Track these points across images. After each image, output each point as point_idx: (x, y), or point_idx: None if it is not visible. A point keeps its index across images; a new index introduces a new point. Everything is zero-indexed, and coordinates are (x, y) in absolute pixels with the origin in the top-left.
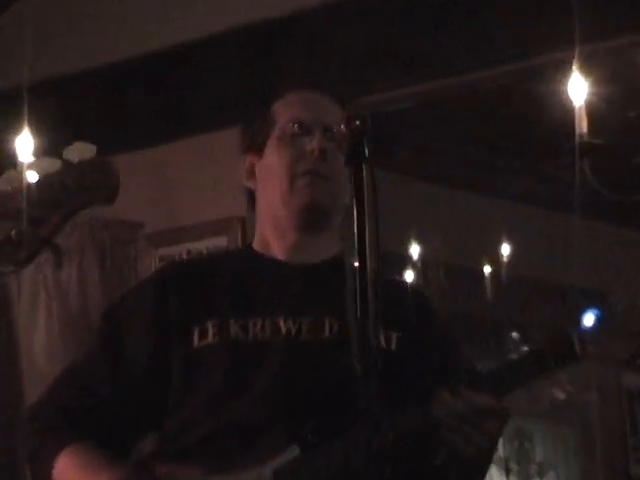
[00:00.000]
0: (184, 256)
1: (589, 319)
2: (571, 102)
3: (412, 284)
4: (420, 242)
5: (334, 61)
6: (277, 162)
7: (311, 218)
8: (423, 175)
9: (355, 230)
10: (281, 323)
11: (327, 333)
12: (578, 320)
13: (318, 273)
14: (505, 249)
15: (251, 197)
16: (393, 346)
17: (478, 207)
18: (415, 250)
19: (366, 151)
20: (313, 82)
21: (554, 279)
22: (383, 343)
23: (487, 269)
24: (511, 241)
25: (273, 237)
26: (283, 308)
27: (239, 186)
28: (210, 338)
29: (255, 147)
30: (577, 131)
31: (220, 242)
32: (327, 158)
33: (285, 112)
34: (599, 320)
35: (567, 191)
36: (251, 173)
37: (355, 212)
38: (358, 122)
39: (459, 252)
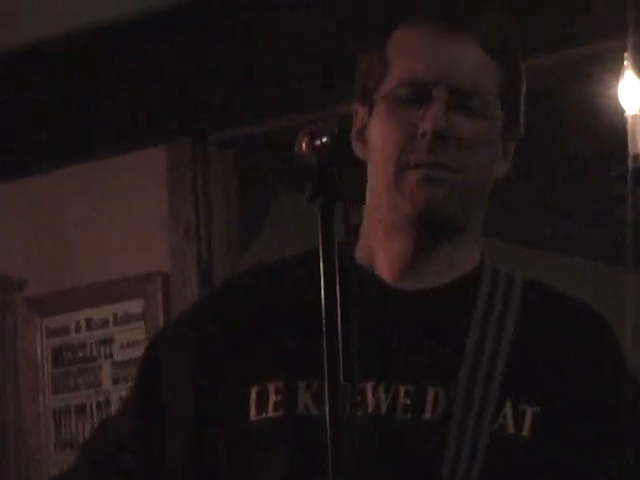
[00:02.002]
0: (79, 328)
1: None
2: (622, 111)
3: (589, 307)
4: None
5: None
6: (380, 139)
7: (427, 228)
8: None
9: (322, 288)
10: (369, 391)
11: (429, 412)
12: None
13: (433, 306)
14: None
15: (360, 169)
16: (526, 430)
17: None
18: None
19: (337, 181)
20: (446, 9)
21: None
22: (511, 427)
23: None
24: None
25: (378, 245)
26: (375, 366)
27: (160, 228)
28: (271, 410)
29: (364, 98)
30: (630, 151)
31: (133, 307)
32: (450, 139)
33: (398, 60)
34: None
35: (616, 235)
36: (360, 135)
37: (322, 265)
38: (325, 139)
39: None
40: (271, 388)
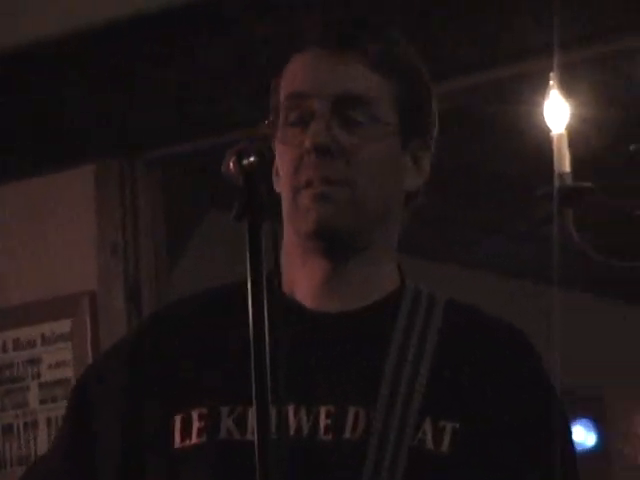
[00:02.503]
0: (6, 349)
1: (578, 433)
2: (548, 130)
3: (510, 326)
4: None
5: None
6: (279, 166)
7: (329, 246)
8: None
9: (250, 307)
10: (290, 415)
11: (349, 431)
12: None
13: (353, 328)
14: None
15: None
16: (445, 447)
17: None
18: None
19: (265, 200)
20: (331, 34)
21: None
22: (430, 443)
23: None
24: None
25: (296, 270)
26: (295, 390)
27: (88, 248)
28: (194, 437)
29: (272, 122)
30: (556, 170)
31: (60, 327)
32: (335, 152)
33: (285, 84)
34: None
35: (543, 254)
36: (277, 169)
37: (249, 282)
38: (253, 159)
39: None
40: (194, 415)
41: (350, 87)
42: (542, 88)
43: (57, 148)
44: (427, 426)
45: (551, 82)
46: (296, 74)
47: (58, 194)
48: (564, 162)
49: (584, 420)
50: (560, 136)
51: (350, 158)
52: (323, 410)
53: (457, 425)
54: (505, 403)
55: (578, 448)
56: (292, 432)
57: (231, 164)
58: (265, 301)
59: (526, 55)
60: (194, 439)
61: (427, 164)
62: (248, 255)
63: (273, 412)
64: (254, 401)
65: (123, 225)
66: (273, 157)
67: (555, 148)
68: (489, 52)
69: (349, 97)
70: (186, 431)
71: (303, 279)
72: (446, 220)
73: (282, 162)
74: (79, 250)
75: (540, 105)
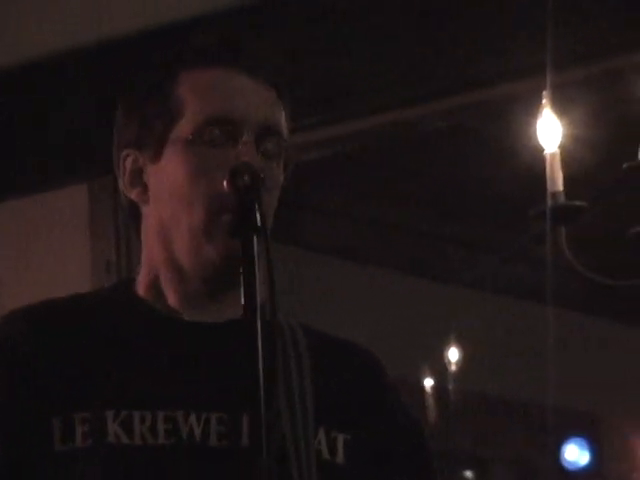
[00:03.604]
0: None
1: (572, 452)
2: (541, 150)
3: (360, 346)
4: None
5: None
6: (185, 184)
7: (229, 274)
8: (342, 251)
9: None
10: (180, 420)
11: (246, 438)
12: (556, 453)
13: (236, 338)
14: (453, 354)
15: (133, 212)
16: (340, 457)
17: (418, 296)
18: None
19: (258, 218)
20: (241, 56)
21: (521, 396)
22: (326, 453)
23: (428, 382)
24: (461, 342)
25: (169, 283)
26: (183, 396)
27: (82, 266)
28: (79, 440)
29: (147, 142)
30: (549, 189)
31: None
32: (265, 181)
33: (199, 101)
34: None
35: (536, 274)
36: (136, 179)
37: (243, 299)
38: (247, 177)
39: (392, 357)
40: (77, 418)
41: (270, 117)
42: (535, 107)
43: (49, 166)
44: (322, 436)
45: (544, 101)
46: (216, 95)
47: (51, 213)
48: (557, 181)
49: (578, 439)
50: (553, 155)
51: (269, 188)
52: (214, 417)
53: (348, 436)
54: (373, 413)
55: (572, 467)
56: (184, 437)
57: (225, 183)
58: (258, 315)
59: (519, 74)
60: (79, 442)
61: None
62: (242, 272)
63: (161, 417)
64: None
65: (117, 243)
66: (266, 176)
67: (548, 167)
68: (482, 71)
69: (270, 127)
70: (68, 434)
71: (177, 292)
72: (438, 239)
73: (192, 179)
74: (73, 269)
75: (533, 124)
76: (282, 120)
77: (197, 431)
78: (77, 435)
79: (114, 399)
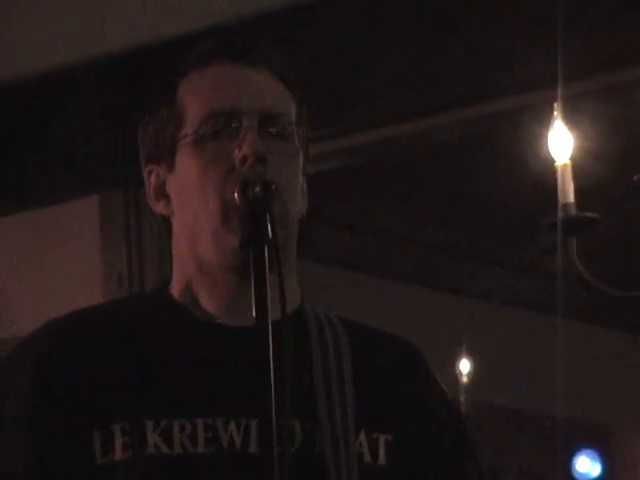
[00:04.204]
0: None
1: (583, 464)
2: (552, 161)
3: (402, 339)
4: None
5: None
6: (197, 181)
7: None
8: (351, 262)
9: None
10: (220, 428)
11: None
12: (567, 465)
13: (276, 340)
14: (464, 365)
15: (166, 226)
16: (381, 459)
17: (430, 308)
18: None
19: (269, 230)
20: (235, 49)
21: (532, 408)
22: (368, 456)
23: None
24: (473, 354)
25: (201, 286)
26: (222, 402)
27: (93, 279)
28: (119, 452)
29: (160, 155)
30: (560, 201)
31: None
32: (271, 162)
33: (197, 101)
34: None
35: (547, 285)
36: (160, 192)
37: (254, 310)
38: (258, 189)
39: None
40: (116, 430)
41: (272, 103)
42: (546, 119)
43: (61, 178)
44: (363, 439)
45: (555, 112)
46: (215, 90)
47: (62, 225)
48: (568, 192)
49: (589, 451)
50: (564, 166)
51: (282, 168)
52: (254, 423)
53: (390, 437)
54: (415, 410)
55: (584, 479)
56: (225, 445)
57: (236, 194)
58: (269, 322)
59: (530, 86)
60: (119, 454)
61: (306, 189)
62: (252, 283)
63: (201, 425)
64: (273, 415)
65: (129, 256)
66: (277, 186)
67: (559, 178)
68: (493, 83)
69: (273, 113)
70: (108, 446)
71: (211, 294)
72: (449, 250)
73: (203, 176)
74: (85, 281)
75: (544, 136)
76: (290, 108)
77: (237, 438)
78: (117, 447)
79: (153, 408)
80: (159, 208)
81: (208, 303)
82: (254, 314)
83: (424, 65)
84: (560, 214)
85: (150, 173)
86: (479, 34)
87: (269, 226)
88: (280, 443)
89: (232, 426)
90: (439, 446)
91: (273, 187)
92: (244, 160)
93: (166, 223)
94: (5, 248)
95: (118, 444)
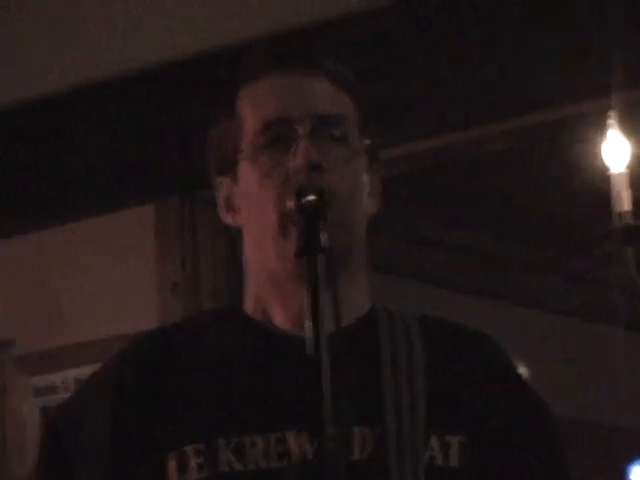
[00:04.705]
0: (67, 387)
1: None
2: (607, 170)
3: (481, 333)
4: None
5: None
6: (256, 192)
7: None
8: (403, 272)
9: (313, 344)
10: (291, 441)
11: (357, 453)
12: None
13: (344, 348)
14: (522, 373)
15: (239, 238)
16: (454, 460)
17: (483, 316)
18: None
19: (323, 239)
20: (291, 58)
21: (587, 417)
22: (440, 459)
23: None
24: (527, 363)
25: (271, 298)
26: (293, 416)
27: (148, 287)
28: (194, 473)
29: (225, 167)
30: (616, 209)
31: None
32: (327, 168)
33: (252, 112)
34: None
35: (604, 294)
36: (229, 204)
37: (310, 318)
38: (312, 197)
39: None
40: (190, 451)
41: (327, 104)
42: (600, 128)
43: (116, 187)
44: (434, 442)
45: (610, 121)
46: (267, 101)
47: (118, 233)
48: (624, 201)
49: None
50: (620, 175)
51: (341, 173)
52: (327, 433)
53: (462, 438)
54: (493, 407)
55: None
56: (295, 459)
57: (291, 204)
58: (322, 333)
59: (585, 95)
60: (194, 475)
61: (379, 189)
62: (307, 292)
63: (273, 440)
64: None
65: (183, 264)
66: (334, 192)
67: (614, 187)
68: (549, 92)
69: (327, 117)
70: (183, 469)
71: (282, 305)
72: (502, 260)
73: (261, 186)
74: (139, 290)
75: (598, 145)
76: (347, 109)
77: (309, 450)
78: (190, 468)
79: (224, 426)
80: (229, 219)
81: (280, 315)
82: (307, 324)
83: (479, 75)
84: (616, 223)
85: (219, 185)
86: (533, 43)
87: (321, 234)
88: (334, 452)
89: (303, 438)
90: (523, 448)
91: (326, 194)
92: (298, 169)
93: (239, 236)
94: (61, 256)
95: (192, 465)
